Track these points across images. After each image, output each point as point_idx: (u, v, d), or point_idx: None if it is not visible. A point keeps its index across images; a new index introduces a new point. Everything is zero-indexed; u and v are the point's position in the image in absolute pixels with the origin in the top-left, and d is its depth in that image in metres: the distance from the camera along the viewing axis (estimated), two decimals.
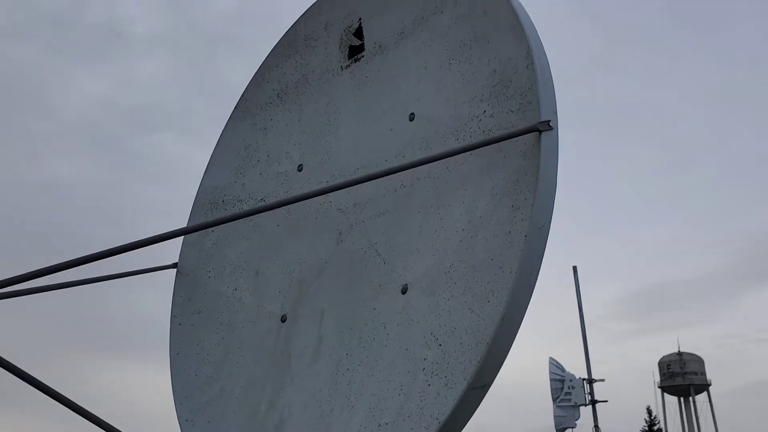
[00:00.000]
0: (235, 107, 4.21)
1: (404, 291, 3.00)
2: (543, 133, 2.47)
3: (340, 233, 3.43)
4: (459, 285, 2.69)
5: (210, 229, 4.06)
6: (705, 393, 79.95)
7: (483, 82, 2.91)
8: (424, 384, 2.60)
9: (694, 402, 79.04)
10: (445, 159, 2.95)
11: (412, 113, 3.26)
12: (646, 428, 56.21)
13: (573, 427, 6.81)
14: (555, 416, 6.71)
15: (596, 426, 6.58)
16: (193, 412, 3.54)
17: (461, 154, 2.81)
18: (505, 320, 2.40)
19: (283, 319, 3.51)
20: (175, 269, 4.05)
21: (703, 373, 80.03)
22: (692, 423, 78.80)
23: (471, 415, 2.45)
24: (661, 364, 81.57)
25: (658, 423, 59.01)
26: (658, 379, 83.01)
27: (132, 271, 3.83)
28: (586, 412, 6.69)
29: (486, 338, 2.42)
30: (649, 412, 58.06)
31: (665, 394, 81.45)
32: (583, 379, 6.67)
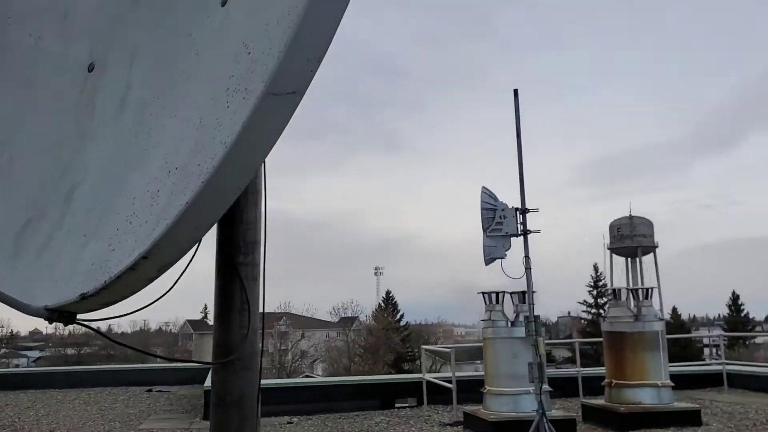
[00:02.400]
0: None
1: (224, 2, 2.14)
2: None
3: None
4: None
5: None
6: (651, 254, 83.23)
7: None
8: (223, 107, 1.82)
9: (640, 262, 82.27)
10: None
11: None
12: (592, 283, 58.58)
13: (503, 258, 6.29)
14: (485, 246, 6.17)
15: (527, 256, 6.07)
16: None
17: None
18: None
19: (91, 68, 2.65)
20: None
21: (651, 236, 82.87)
22: (637, 281, 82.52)
23: (276, 135, 1.69)
24: (611, 227, 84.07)
25: (603, 279, 61.40)
26: (608, 241, 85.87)
27: None
28: (517, 243, 6.18)
29: (298, 16, 1.60)
30: (596, 268, 60.29)
31: (614, 255, 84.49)
32: (516, 209, 6.09)
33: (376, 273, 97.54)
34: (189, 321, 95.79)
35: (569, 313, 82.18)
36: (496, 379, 9.48)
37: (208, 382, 12.66)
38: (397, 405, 12.39)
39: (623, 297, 10.18)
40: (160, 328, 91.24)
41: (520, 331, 9.53)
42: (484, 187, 6.23)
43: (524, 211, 6.09)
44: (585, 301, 59.00)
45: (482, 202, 6.17)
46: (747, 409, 10.80)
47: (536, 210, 6.10)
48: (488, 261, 6.21)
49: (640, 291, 10.10)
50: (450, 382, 11.00)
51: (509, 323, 9.75)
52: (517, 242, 6.11)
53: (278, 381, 12.94)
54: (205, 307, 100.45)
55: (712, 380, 14.19)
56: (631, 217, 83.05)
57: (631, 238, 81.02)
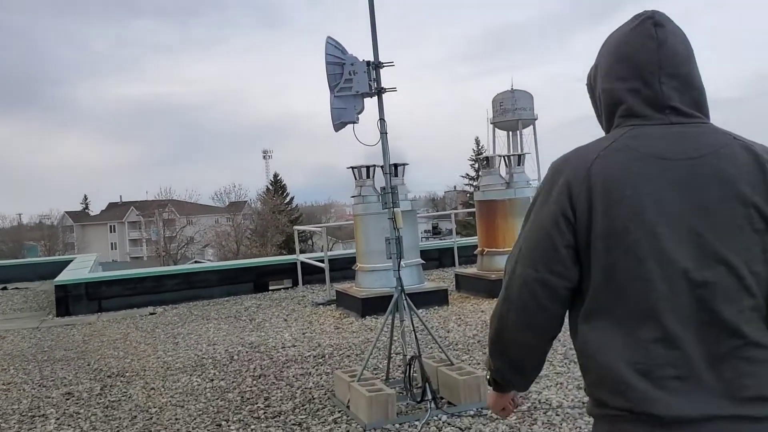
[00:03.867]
0: None
1: None
2: None
3: None
4: None
5: None
6: (531, 127, 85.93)
7: None
8: None
9: (521, 135, 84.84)
10: None
11: None
12: (474, 157, 60.04)
13: (355, 122, 5.53)
14: (332, 109, 5.37)
15: (382, 119, 5.34)
16: None
17: None
18: None
19: None
20: None
21: (531, 109, 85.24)
22: (518, 152, 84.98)
23: None
24: (494, 101, 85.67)
25: (485, 152, 63.10)
26: (491, 115, 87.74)
27: None
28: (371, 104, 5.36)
29: None
30: (477, 142, 61.52)
31: (496, 129, 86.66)
32: (368, 62, 5.25)
33: (264, 157, 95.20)
34: (68, 213, 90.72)
35: (455, 187, 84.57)
36: (367, 256, 9.06)
37: (60, 276, 11.60)
38: (271, 288, 11.91)
39: (495, 165, 9.86)
40: (40, 221, 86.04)
41: None
42: (329, 38, 5.34)
43: (377, 65, 5.30)
44: (467, 174, 60.49)
45: (327, 54, 5.29)
46: None
47: (391, 64, 5.32)
48: (338, 126, 5.44)
49: (512, 158, 9.80)
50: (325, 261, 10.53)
51: (380, 197, 9.22)
52: (372, 103, 5.34)
53: (137, 271, 12.03)
54: (85, 198, 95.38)
55: None
56: (512, 91, 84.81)
57: (513, 112, 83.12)
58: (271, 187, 64.40)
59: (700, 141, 1.36)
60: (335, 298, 9.60)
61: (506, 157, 9.86)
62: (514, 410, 1.73)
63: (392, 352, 5.32)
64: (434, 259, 13.06)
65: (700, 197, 1.32)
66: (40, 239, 75.43)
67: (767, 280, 1.34)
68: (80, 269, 12.96)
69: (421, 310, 8.75)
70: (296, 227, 12.39)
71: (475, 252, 10.16)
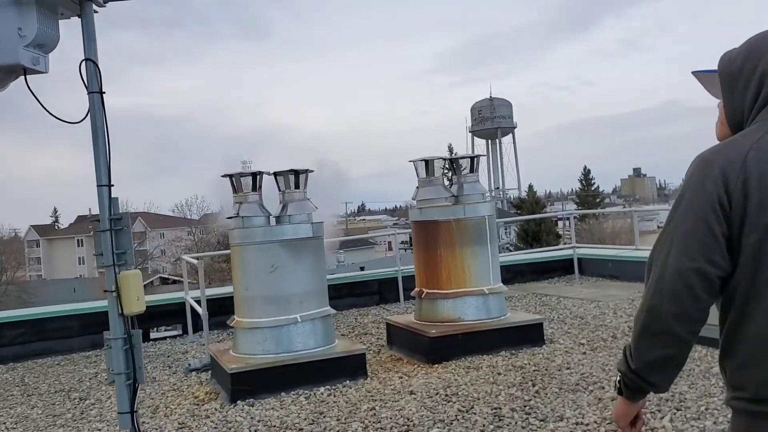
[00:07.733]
0: None
1: None
2: None
3: None
4: None
5: None
6: (510, 135, 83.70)
7: None
8: None
9: (500, 143, 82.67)
10: None
11: None
12: (447, 166, 57.50)
13: (35, 69, 2.68)
14: None
15: (89, 60, 2.51)
16: None
17: None
18: None
19: None
20: None
21: (511, 117, 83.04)
22: (497, 161, 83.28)
23: None
24: (473, 109, 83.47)
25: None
26: (470, 124, 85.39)
27: None
28: None
29: None
30: (450, 149, 58.93)
31: (475, 138, 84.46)
32: None
33: (243, 168, 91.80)
34: (34, 227, 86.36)
35: None
36: (247, 305, 6.20)
37: None
38: (153, 337, 9.00)
39: (437, 171, 7.01)
40: (15, 234, 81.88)
41: (286, 231, 6.23)
42: None
43: None
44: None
45: None
46: (603, 309, 8.31)
47: None
48: None
49: (462, 161, 7.00)
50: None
51: (270, 219, 6.40)
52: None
53: None
54: (55, 210, 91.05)
55: (562, 267, 11.90)
56: (491, 99, 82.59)
57: (492, 120, 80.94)
58: None
59: None
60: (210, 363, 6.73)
61: (452, 161, 7.06)
62: (643, 426, 1.62)
63: None
64: (373, 293, 10.23)
65: None
66: (3, 253, 71.87)
67: None
68: None
69: (323, 387, 5.96)
70: (183, 256, 9.49)
71: (412, 293, 7.34)
